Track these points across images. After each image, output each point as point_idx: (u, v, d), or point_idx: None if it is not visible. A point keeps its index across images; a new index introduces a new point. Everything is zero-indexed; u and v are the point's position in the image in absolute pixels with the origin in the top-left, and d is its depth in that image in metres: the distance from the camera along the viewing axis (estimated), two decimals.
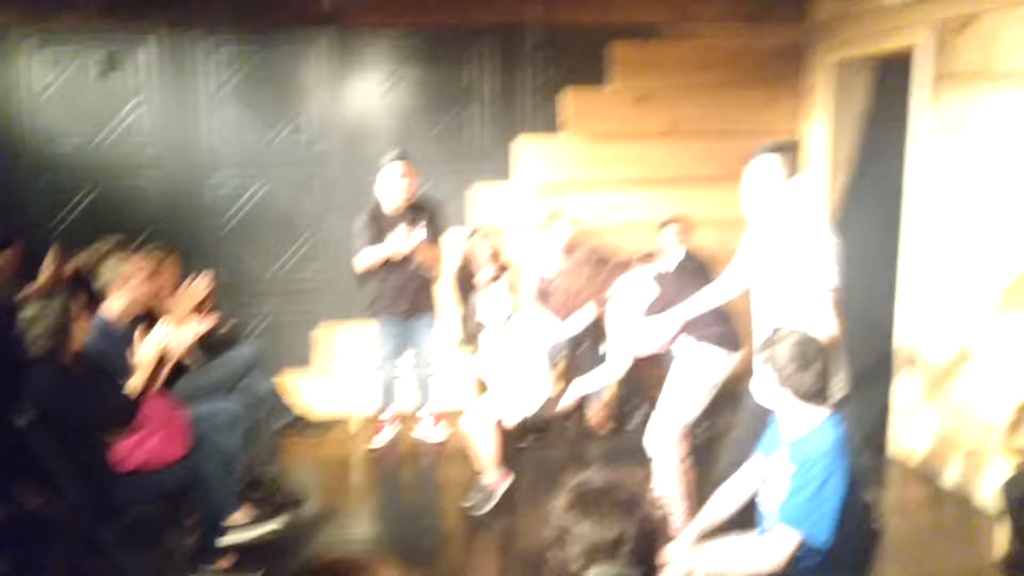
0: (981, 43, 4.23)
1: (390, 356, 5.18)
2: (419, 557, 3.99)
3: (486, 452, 4.29)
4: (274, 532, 3.86)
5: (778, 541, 2.38)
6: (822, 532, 2.36)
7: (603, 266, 3.76)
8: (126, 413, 3.49)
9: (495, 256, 5.26)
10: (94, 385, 3.50)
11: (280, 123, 5.72)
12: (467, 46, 5.80)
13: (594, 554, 1.58)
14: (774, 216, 3.25)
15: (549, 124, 5.92)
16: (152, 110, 5.56)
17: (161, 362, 3.65)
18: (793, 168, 3.21)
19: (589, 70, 5.88)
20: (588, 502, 1.63)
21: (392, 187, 4.87)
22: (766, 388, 2.56)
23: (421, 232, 4.85)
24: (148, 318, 4.05)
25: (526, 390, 4.31)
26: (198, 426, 3.89)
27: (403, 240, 4.77)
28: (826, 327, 3.06)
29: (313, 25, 5.61)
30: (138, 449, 3.65)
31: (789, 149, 3.28)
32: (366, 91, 5.79)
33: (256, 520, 3.89)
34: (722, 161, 5.97)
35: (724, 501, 2.82)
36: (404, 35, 5.73)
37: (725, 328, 3.63)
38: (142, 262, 4.08)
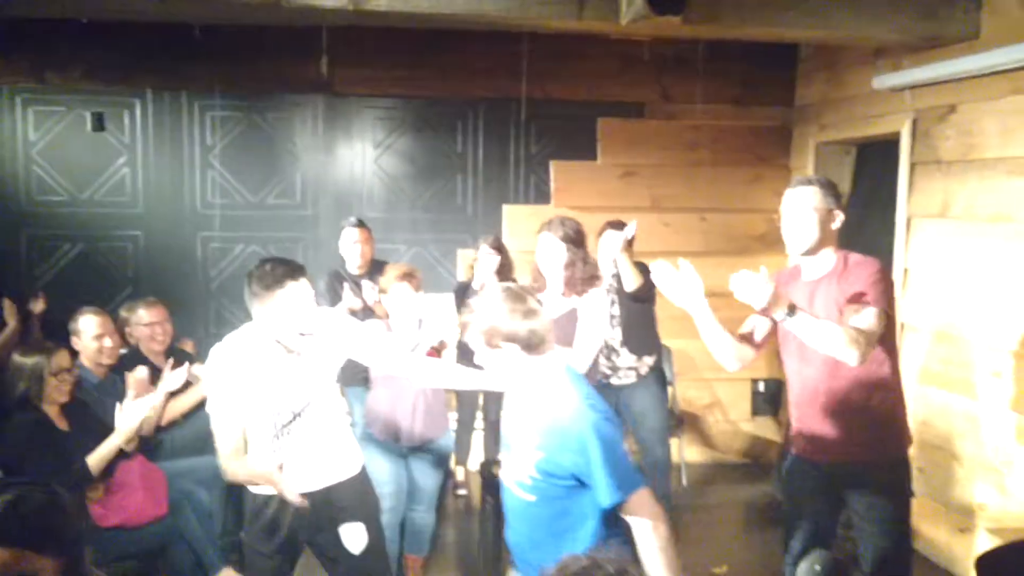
0: (960, 132, 4.40)
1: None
2: None
3: None
4: None
5: (639, 510, 2.20)
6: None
7: None
8: (81, 477, 3.44)
9: (501, 270, 4.81)
10: (62, 440, 3.49)
11: (269, 185, 5.76)
12: (457, 117, 5.92)
13: None
14: None
15: (539, 195, 6.01)
16: (140, 169, 5.60)
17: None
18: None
19: (579, 144, 6.00)
20: None
21: (348, 252, 4.97)
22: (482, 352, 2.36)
23: (373, 293, 4.86)
24: (149, 365, 4.08)
25: None
26: (179, 482, 3.82)
27: (353, 301, 4.78)
28: None
29: (304, 92, 5.71)
30: (118, 507, 3.60)
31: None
32: (355, 158, 5.86)
33: None
34: (706, 237, 6.07)
35: None
36: (394, 105, 5.84)
37: None
38: (105, 316, 4.10)
